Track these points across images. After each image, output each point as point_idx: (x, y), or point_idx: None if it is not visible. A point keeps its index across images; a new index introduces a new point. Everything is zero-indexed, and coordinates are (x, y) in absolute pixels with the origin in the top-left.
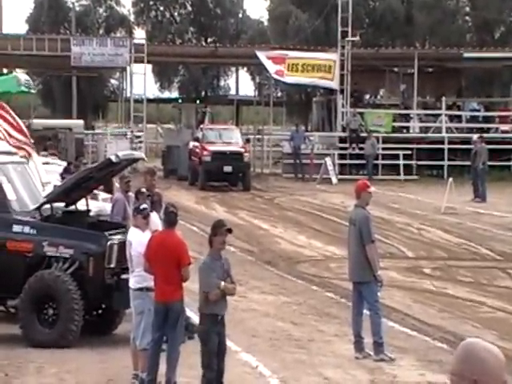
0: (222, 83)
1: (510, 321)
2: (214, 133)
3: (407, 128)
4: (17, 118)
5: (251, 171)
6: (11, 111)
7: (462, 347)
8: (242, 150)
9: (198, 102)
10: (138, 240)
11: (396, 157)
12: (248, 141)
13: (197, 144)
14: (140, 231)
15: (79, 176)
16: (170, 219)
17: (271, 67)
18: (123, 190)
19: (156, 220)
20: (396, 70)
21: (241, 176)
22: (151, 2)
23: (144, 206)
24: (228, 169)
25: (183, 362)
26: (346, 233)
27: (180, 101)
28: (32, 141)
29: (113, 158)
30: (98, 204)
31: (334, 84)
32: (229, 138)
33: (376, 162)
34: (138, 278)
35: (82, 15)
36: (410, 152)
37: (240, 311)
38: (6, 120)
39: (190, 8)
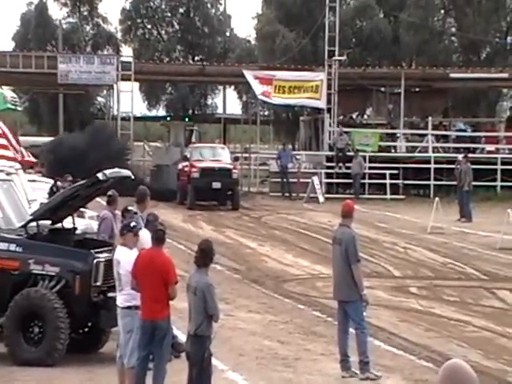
0: (209, 101)
1: (495, 340)
2: (203, 151)
3: (394, 147)
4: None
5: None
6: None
7: (458, 369)
8: (231, 166)
9: (186, 120)
10: (126, 259)
11: (383, 176)
12: (237, 159)
13: (185, 163)
14: (128, 249)
15: (66, 194)
16: (158, 237)
17: (258, 88)
18: (110, 207)
19: (148, 238)
20: (383, 89)
21: (229, 194)
22: (138, 20)
23: (133, 223)
24: (217, 185)
25: (169, 380)
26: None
27: (169, 119)
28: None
29: (100, 176)
30: (85, 222)
31: (321, 103)
32: (218, 156)
33: (363, 181)
34: (126, 296)
35: (69, 33)
36: (396, 171)
37: (227, 329)
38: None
39: (177, 26)
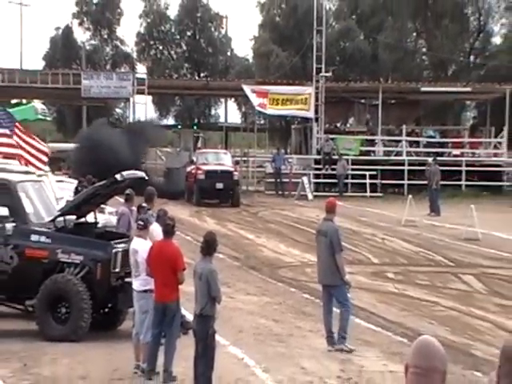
0: (212, 112)
1: (460, 318)
2: (208, 156)
3: (373, 152)
4: (37, 139)
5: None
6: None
7: (428, 343)
8: (232, 169)
9: (195, 127)
10: (143, 248)
11: (363, 176)
12: (237, 163)
13: (193, 166)
14: (143, 240)
15: (88, 192)
16: (168, 230)
17: (255, 100)
18: (127, 204)
19: (159, 231)
20: (363, 101)
21: (231, 193)
22: (151, 42)
23: (146, 216)
24: (219, 185)
25: (178, 354)
26: None
27: (180, 127)
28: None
29: (118, 177)
30: (105, 217)
31: (310, 114)
32: (220, 160)
33: (346, 180)
34: (142, 281)
35: (92, 53)
36: (375, 172)
37: (228, 310)
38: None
39: (185, 47)
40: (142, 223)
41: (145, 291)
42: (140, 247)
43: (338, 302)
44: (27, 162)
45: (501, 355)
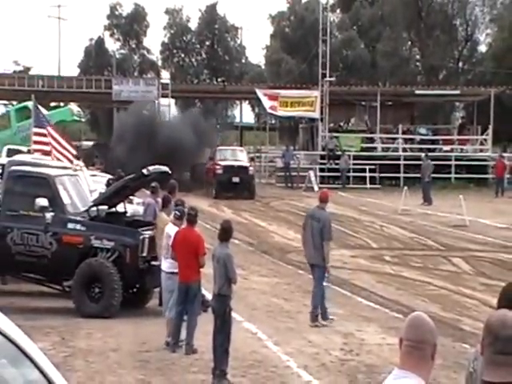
0: (229, 113)
1: (450, 297)
2: (225, 152)
3: (372, 148)
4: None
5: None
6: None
7: (420, 319)
8: (247, 164)
9: (217, 127)
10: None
11: (363, 170)
12: (252, 159)
13: (211, 162)
14: (176, 227)
15: (118, 185)
16: (191, 218)
17: (267, 103)
18: (153, 196)
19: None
20: (363, 103)
21: (246, 186)
22: (174, 51)
23: (183, 208)
24: (236, 179)
25: (199, 329)
26: None
27: None
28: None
29: (145, 172)
30: (133, 207)
31: (316, 114)
32: (236, 156)
33: (348, 174)
34: (170, 264)
35: (121, 61)
36: (374, 167)
37: (243, 289)
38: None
39: (204, 55)
40: (178, 214)
41: (172, 273)
42: (173, 233)
43: (314, 278)
44: (56, 158)
45: (484, 328)
